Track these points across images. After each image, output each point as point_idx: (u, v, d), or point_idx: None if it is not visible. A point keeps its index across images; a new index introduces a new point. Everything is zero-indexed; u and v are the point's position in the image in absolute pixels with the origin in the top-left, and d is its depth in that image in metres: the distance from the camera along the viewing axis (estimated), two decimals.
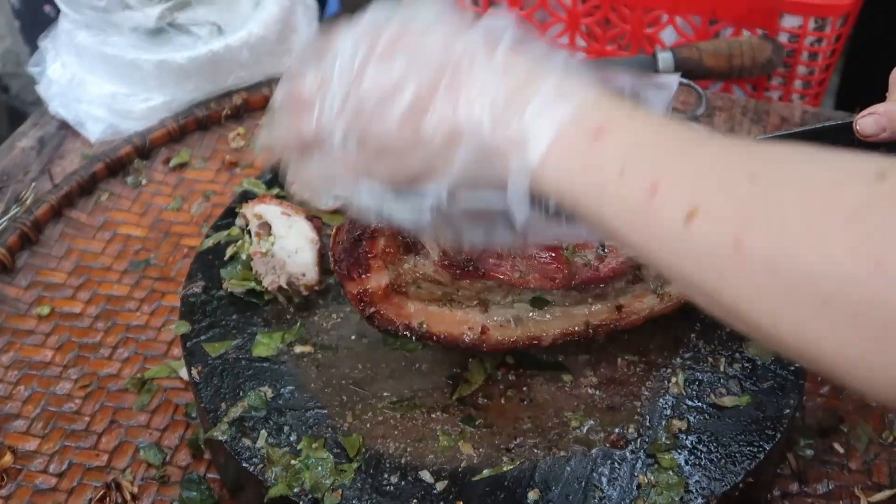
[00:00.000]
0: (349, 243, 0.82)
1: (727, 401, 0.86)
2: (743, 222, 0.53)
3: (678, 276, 0.57)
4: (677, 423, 0.84)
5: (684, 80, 1.31)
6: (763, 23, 1.45)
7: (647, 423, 0.85)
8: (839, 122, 0.88)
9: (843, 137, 0.86)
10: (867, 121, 0.84)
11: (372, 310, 0.83)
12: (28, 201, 1.20)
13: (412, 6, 0.69)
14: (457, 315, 0.86)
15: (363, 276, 0.82)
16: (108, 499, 0.91)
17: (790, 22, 1.44)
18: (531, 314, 0.87)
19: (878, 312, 0.47)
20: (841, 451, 0.94)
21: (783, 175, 0.53)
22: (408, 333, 0.85)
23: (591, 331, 0.88)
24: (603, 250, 0.86)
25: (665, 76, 0.68)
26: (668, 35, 1.56)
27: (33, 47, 1.66)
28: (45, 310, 1.09)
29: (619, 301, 0.89)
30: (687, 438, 0.83)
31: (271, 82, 1.33)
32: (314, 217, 1.00)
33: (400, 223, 0.69)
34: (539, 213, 0.65)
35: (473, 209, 0.67)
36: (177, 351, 1.04)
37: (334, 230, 0.86)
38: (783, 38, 1.46)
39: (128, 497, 0.91)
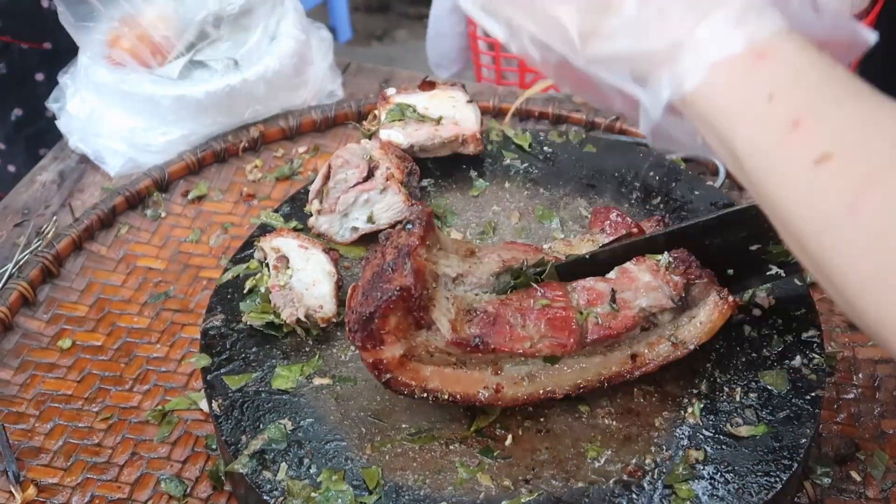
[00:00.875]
0: (361, 320, 0.82)
1: (743, 430, 0.87)
2: (871, 182, 0.53)
3: (785, 217, 0.57)
4: (694, 454, 0.85)
5: None
6: None
7: (664, 454, 0.85)
8: None
9: None
10: None
11: (388, 376, 0.84)
12: (49, 235, 1.22)
13: None
14: (472, 376, 0.86)
15: (377, 347, 0.82)
16: None
17: None
18: (544, 370, 0.87)
19: None
20: (858, 479, 0.94)
21: None
22: (425, 395, 0.85)
23: (605, 382, 0.88)
24: (614, 304, 0.87)
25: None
26: None
27: None
28: (67, 343, 1.10)
29: (633, 350, 0.89)
30: (704, 469, 0.84)
31: (287, 115, 1.35)
32: (331, 249, 1.01)
33: (531, 57, 0.68)
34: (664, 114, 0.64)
35: (605, 81, 0.65)
36: (196, 383, 1.06)
37: (350, 291, 0.87)
38: None
39: None
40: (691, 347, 0.89)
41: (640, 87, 0.63)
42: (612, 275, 0.89)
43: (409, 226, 0.84)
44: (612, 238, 0.94)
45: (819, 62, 0.59)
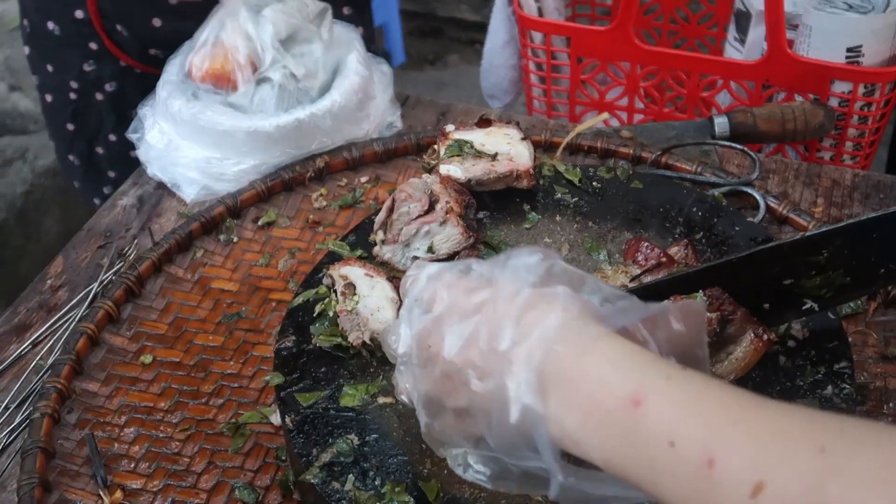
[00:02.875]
0: None
1: None
2: (817, 497, 0.51)
3: None
4: None
5: (737, 146, 1.39)
6: (814, 88, 1.52)
7: None
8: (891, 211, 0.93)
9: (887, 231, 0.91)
10: None
11: None
12: (131, 257, 1.31)
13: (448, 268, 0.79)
14: None
15: None
16: None
17: (840, 87, 1.51)
18: None
19: None
20: None
21: (854, 447, 0.52)
22: None
23: None
24: None
25: (691, 302, 0.69)
26: (723, 98, 1.64)
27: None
28: (148, 358, 1.19)
29: None
30: None
31: (351, 146, 1.44)
32: (394, 277, 1.09)
33: (477, 479, 0.77)
34: (581, 476, 0.66)
35: (521, 466, 0.70)
36: (266, 398, 1.14)
37: None
38: (834, 103, 1.53)
39: None
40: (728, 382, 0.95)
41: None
42: None
43: None
44: (642, 269, 1.01)
45: (691, 384, 0.60)
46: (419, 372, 0.78)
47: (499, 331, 0.69)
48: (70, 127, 1.76)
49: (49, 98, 1.77)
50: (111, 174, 1.81)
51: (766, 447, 0.54)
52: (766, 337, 0.95)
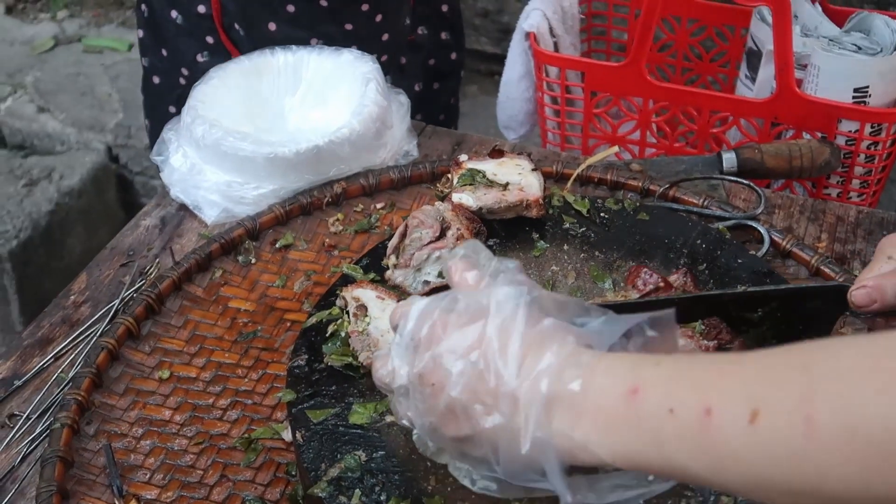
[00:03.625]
0: None
1: None
2: (809, 403, 0.56)
3: (751, 480, 0.59)
4: (725, 499, 0.94)
5: (744, 181, 1.43)
6: (822, 126, 1.56)
7: (699, 498, 0.94)
8: (829, 285, 0.99)
9: (837, 299, 0.95)
10: (860, 293, 0.93)
11: None
12: (152, 276, 1.36)
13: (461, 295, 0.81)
14: None
15: None
16: None
17: (847, 126, 1.55)
18: None
19: None
20: None
21: (831, 356, 0.58)
22: None
23: None
24: None
25: (662, 313, 0.73)
26: (732, 134, 1.67)
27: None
28: (166, 373, 1.23)
29: None
30: None
31: (368, 174, 1.48)
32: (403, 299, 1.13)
33: (487, 491, 0.81)
34: (587, 489, 0.71)
35: (528, 486, 0.76)
36: (279, 415, 1.18)
37: None
38: (841, 141, 1.56)
39: None
40: None
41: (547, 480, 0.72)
42: None
43: None
44: (641, 294, 1.05)
45: (679, 361, 0.66)
46: (422, 406, 0.81)
47: (502, 369, 0.73)
48: (172, 110, 1.83)
49: (157, 80, 1.86)
50: None
51: (753, 381, 0.60)
52: None
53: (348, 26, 1.71)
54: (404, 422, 0.87)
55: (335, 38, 1.67)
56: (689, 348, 0.98)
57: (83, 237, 2.86)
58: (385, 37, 1.74)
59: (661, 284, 1.05)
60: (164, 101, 1.86)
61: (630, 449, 0.66)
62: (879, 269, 0.94)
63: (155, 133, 1.89)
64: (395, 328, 0.86)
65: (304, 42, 1.61)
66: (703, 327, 0.99)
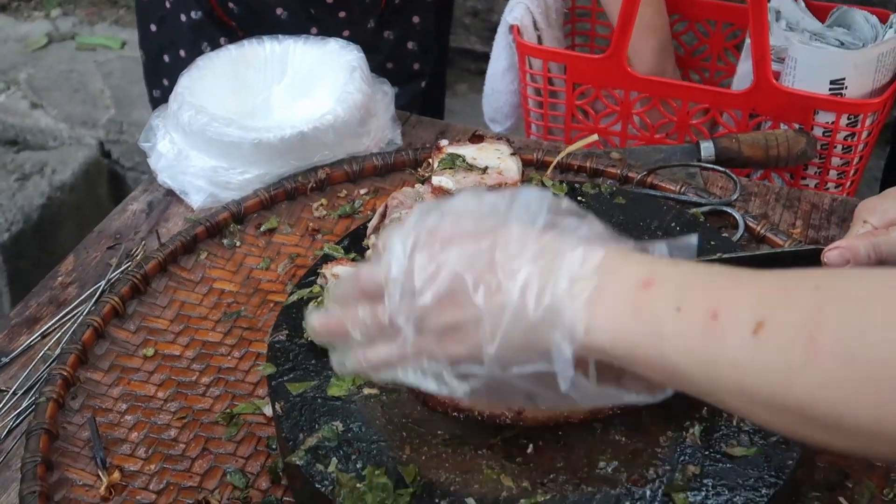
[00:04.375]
0: None
1: (737, 451, 0.98)
2: (815, 322, 0.56)
3: (741, 391, 0.60)
4: (692, 468, 0.97)
5: (720, 169, 1.45)
6: (799, 118, 1.59)
7: (666, 467, 0.97)
8: (805, 249, 1.01)
9: (812, 263, 0.97)
10: (833, 254, 0.95)
11: (423, 397, 0.98)
12: (138, 257, 1.38)
13: (453, 199, 0.78)
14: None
15: None
16: None
17: (824, 118, 1.58)
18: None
19: None
20: None
21: (845, 281, 0.59)
22: (456, 413, 0.98)
23: (617, 409, 1.00)
24: None
25: (684, 238, 0.73)
26: (712, 126, 1.70)
27: None
28: (150, 351, 1.25)
29: None
30: (700, 481, 0.96)
31: (352, 160, 1.50)
32: None
33: (454, 394, 0.78)
34: (586, 378, 0.70)
35: (524, 375, 0.72)
36: (261, 391, 1.20)
37: None
38: (818, 132, 1.59)
39: None
40: None
41: (547, 362, 0.69)
42: None
43: None
44: None
45: (698, 266, 0.66)
46: (418, 285, 0.75)
47: (520, 248, 0.70)
48: (153, 28, 1.86)
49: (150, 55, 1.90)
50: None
51: (765, 294, 0.60)
52: None
53: (312, 10, 1.75)
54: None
55: (299, 17, 1.72)
56: None
57: (74, 231, 2.88)
58: (346, 33, 1.76)
59: None
60: (146, 20, 1.89)
61: (630, 340, 0.65)
62: (856, 234, 0.97)
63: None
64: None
65: (270, 16, 1.65)
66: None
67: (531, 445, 1.00)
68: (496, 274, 0.70)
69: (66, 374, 1.19)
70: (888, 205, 0.99)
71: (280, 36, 1.61)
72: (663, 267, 0.66)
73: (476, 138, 1.33)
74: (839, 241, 0.98)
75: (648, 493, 0.95)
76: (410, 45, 1.93)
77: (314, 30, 1.73)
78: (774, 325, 0.58)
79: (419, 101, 1.98)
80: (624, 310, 0.65)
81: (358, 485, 0.96)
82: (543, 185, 1.32)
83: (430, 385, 0.79)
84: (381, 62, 1.88)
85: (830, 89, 1.58)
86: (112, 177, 3.15)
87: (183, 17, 1.79)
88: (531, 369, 0.71)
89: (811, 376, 0.56)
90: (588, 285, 0.67)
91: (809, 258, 0.99)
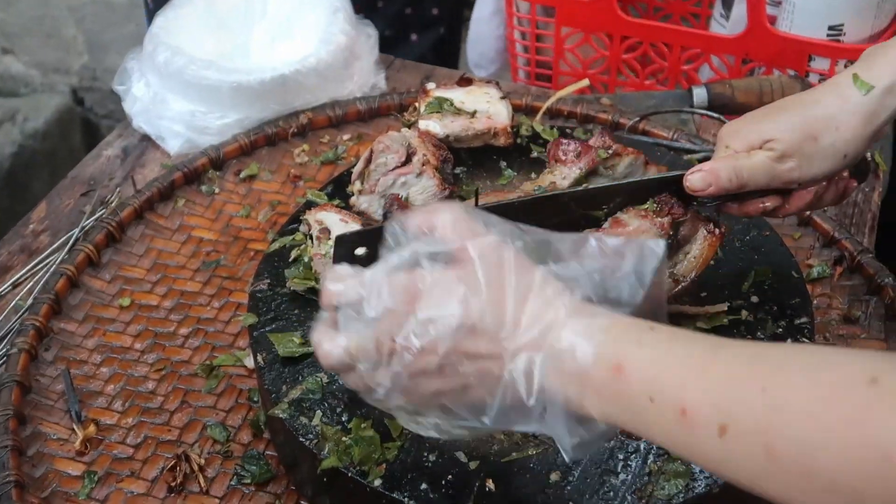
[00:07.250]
0: None
1: None
2: (767, 433, 0.59)
3: (725, 478, 0.65)
4: None
5: (714, 115, 1.41)
6: (794, 64, 1.55)
7: None
8: (670, 175, 0.99)
9: (672, 189, 0.98)
10: (695, 177, 0.95)
11: None
12: (113, 204, 1.33)
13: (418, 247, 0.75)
14: None
15: None
16: (178, 468, 1.03)
17: (819, 64, 1.54)
18: None
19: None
20: None
21: (788, 383, 0.60)
22: None
23: None
24: None
25: (651, 241, 0.75)
26: (704, 72, 1.66)
27: None
28: (126, 301, 1.21)
29: None
30: None
31: (334, 104, 1.45)
32: (368, 225, 1.11)
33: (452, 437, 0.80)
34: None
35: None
36: (241, 342, 1.16)
37: None
38: (813, 79, 1.55)
39: (195, 468, 1.03)
40: (689, 280, 1.00)
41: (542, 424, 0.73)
42: (606, 225, 0.99)
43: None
44: (573, 166, 1.08)
45: (660, 343, 0.68)
46: (400, 369, 0.75)
47: (497, 324, 0.72)
48: None
49: None
50: None
51: (724, 393, 0.63)
52: (717, 231, 1.00)
53: None
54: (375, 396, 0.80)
55: None
56: (645, 226, 0.98)
57: (47, 180, 2.81)
58: None
59: (580, 150, 1.08)
60: None
61: (618, 419, 0.69)
62: (718, 157, 0.98)
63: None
64: (341, 304, 0.78)
65: None
66: (656, 205, 0.99)
67: None
68: (482, 345, 0.72)
69: (38, 324, 1.14)
70: (749, 128, 0.98)
71: None
72: (630, 348, 0.69)
73: (464, 81, 1.29)
74: (702, 164, 0.97)
75: (643, 446, 0.92)
76: None
77: None
78: (735, 432, 0.61)
79: (439, 49, 1.93)
80: (608, 394, 0.68)
81: (344, 438, 0.93)
82: (534, 129, 1.28)
83: (431, 433, 0.80)
84: (400, 7, 1.83)
85: (829, 35, 1.53)
86: (85, 125, 3.07)
87: None
88: (528, 428, 0.74)
89: (777, 483, 0.60)
90: (569, 365, 0.70)
91: (676, 182, 0.99)
